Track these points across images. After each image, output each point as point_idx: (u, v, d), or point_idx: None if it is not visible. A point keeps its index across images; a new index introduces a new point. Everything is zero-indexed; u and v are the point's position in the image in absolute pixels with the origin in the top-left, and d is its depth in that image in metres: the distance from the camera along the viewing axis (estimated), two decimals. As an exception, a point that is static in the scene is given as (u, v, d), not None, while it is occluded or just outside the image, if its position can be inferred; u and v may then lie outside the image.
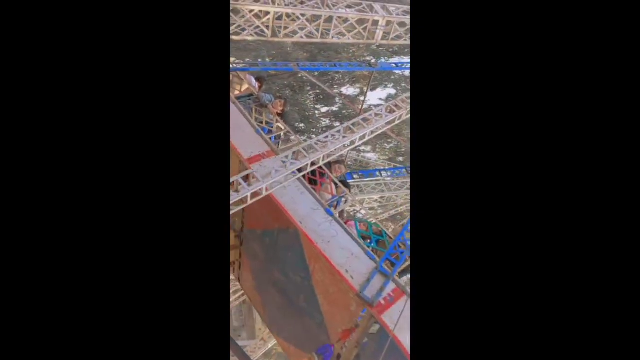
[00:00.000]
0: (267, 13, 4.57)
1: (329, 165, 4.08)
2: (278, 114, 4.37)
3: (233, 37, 4.78)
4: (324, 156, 3.52)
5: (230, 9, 4.45)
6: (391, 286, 3.04)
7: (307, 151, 3.47)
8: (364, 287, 2.98)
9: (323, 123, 11.78)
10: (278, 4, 4.56)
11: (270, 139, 3.84)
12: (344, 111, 11.69)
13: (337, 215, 3.52)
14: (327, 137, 3.59)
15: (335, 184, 4.01)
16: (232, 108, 3.91)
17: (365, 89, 9.95)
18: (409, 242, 3.23)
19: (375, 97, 11.40)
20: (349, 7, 4.84)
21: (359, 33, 4.99)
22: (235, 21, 4.64)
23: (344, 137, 3.58)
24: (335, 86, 11.86)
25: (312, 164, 3.51)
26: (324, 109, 11.93)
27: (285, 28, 4.78)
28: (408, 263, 3.20)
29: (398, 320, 2.80)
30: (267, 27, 4.74)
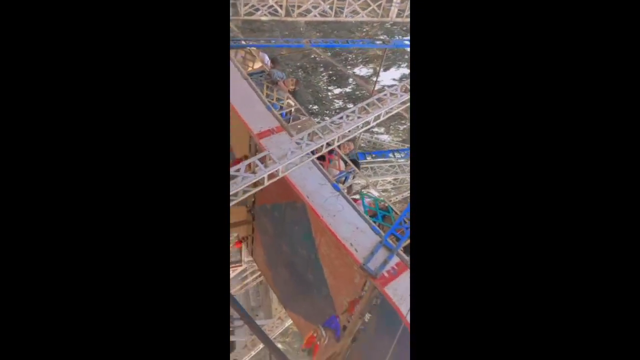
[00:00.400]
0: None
1: None
2: (290, 92, 4.37)
3: (246, 18, 4.74)
4: (339, 137, 3.52)
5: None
6: (395, 260, 3.09)
7: (322, 132, 3.47)
8: (368, 260, 3.04)
9: (336, 104, 11.68)
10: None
11: (281, 115, 3.85)
12: (357, 92, 11.55)
13: (345, 191, 3.54)
14: (341, 117, 3.58)
15: (345, 162, 4.02)
16: (244, 84, 3.93)
17: (378, 69, 9.78)
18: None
19: (388, 77, 11.20)
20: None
21: (373, 10, 4.89)
22: (248, 1, 4.60)
23: (358, 117, 3.57)
24: (348, 67, 11.68)
25: (328, 144, 3.51)
26: (337, 90, 11.82)
27: (299, 7, 4.71)
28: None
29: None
30: (281, 6, 4.68)
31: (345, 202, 3.34)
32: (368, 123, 3.62)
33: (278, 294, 5.34)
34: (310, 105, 11.13)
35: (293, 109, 4.20)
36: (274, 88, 4.32)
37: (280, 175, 3.30)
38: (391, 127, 11.80)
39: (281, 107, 4.11)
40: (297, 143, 3.41)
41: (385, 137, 11.58)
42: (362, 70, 9.33)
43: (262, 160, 3.25)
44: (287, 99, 4.25)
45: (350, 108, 3.67)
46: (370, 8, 4.79)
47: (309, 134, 3.44)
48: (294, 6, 4.69)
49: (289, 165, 3.33)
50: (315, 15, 4.83)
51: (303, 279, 4.07)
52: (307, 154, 3.41)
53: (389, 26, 9.92)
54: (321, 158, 3.80)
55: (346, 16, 4.78)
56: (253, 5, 4.61)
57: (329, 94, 11.89)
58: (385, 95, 3.76)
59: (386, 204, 3.66)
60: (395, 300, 2.87)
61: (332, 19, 4.81)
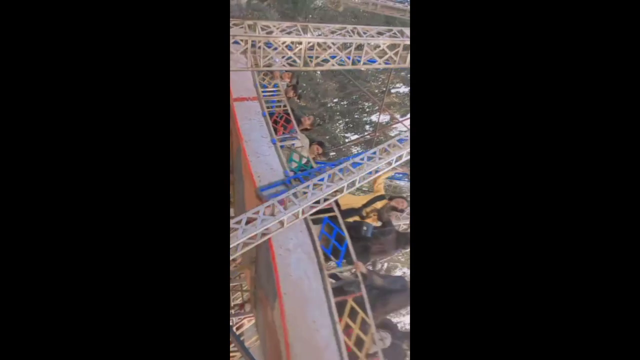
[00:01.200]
0: (299, 43, 4.70)
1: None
2: (306, 129, 4.58)
3: (265, 69, 4.93)
4: (359, 178, 3.46)
5: (265, 42, 4.63)
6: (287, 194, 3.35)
7: (343, 174, 3.43)
8: (264, 188, 3.55)
9: (354, 150, 11.79)
10: (310, 34, 4.68)
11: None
12: (375, 139, 11.65)
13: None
14: (362, 159, 3.54)
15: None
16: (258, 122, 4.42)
17: (397, 115, 9.93)
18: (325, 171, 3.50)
19: (406, 123, 11.33)
20: (379, 33, 4.91)
21: (391, 58, 5.01)
22: (267, 53, 4.81)
23: (380, 158, 3.52)
24: (364, 115, 11.93)
25: (348, 186, 3.45)
26: (354, 137, 11.99)
27: (317, 57, 4.89)
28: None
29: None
30: (299, 57, 4.86)
31: (274, 152, 3.98)
32: (390, 164, 3.57)
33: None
34: (328, 152, 11.25)
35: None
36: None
37: (301, 217, 3.23)
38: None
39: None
40: (317, 184, 3.37)
41: (403, 183, 11.48)
42: (380, 117, 9.50)
43: (282, 202, 3.20)
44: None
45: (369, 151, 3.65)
46: (388, 56, 4.92)
47: (329, 175, 3.40)
48: (312, 57, 4.86)
49: (306, 208, 3.26)
50: (333, 65, 4.99)
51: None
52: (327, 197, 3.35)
53: (405, 74, 10.20)
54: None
55: (363, 64, 4.91)
56: (272, 57, 4.81)
57: (346, 140, 12.07)
58: (407, 137, 3.74)
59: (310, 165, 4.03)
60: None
61: (350, 67, 4.95)
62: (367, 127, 11.28)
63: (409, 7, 7.18)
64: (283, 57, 4.83)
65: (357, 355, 2.81)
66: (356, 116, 9.79)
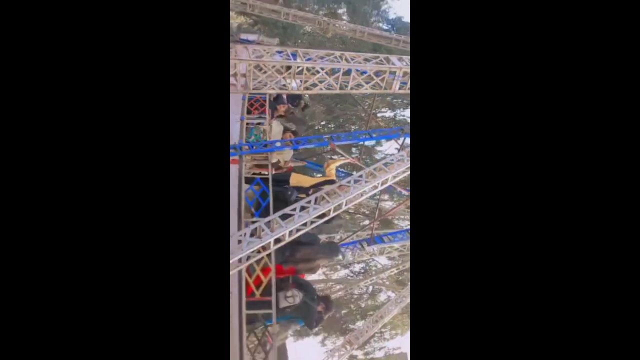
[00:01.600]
0: (289, 67, 4.80)
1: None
2: (281, 116, 5.08)
3: (254, 92, 5.00)
4: (346, 201, 3.49)
5: (253, 65, 4.71)
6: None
7: (330, 196, 3.45)
8: None
9: (340, 174, 11.86)
10: (299, 58, 4.80)
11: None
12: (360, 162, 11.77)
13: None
14: (349, 181, 3.58)
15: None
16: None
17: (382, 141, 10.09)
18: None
19: (394, 146, 11.54)
20: (366, 60, 5.05)
21: (377, 84, 5.15)
22: (257, 76, 4.88)
23: (366, 181, 3.57)
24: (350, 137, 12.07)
25: (335, 209, 3.48)
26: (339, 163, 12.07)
27: (305, 81, 4.99)
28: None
29: None
30: (289, 80, 4.95)
31: (238, 127, 4.46)
32: (376, 187, 3.61)
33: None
34: (314, 174, 11.28)
35: None
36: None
37: (288, 239, 3.22)
38: (394, 194, 11.84)
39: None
40: (304, 207, 3.39)
41: (390, 204, 11.55)
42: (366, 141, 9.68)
43: (268, 224, 3.19)
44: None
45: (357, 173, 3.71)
46: (374, 82, 5.05)
47: (316, 198, 3.42)
48: (300, 80, 4.95)
49: (295, 230, 3.27)
50: (321, 89, 5.09)
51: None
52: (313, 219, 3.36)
53: (390, 99, 10.45)
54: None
55: (351, 88, 5.02)
56: (261, 81, 4.88)
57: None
58: (392, 160, 3.81)
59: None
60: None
61: (337, 91, 5.05)
62: (353, 149, 11.41)
63: (394, 35, 7.45)
64: (272, 80, 4.92)
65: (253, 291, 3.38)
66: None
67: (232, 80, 4.69)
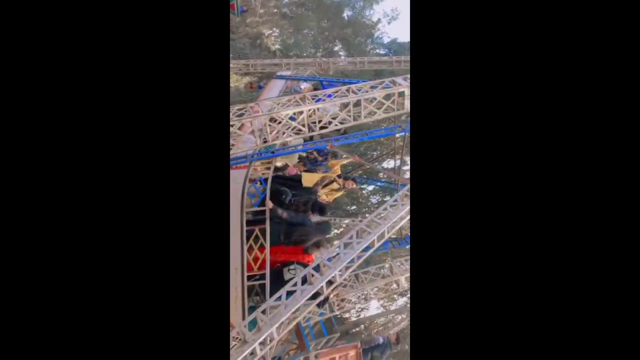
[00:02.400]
0: (301, 112, 4.94)
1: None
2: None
3: (274, 142, 5.14)
4: (387, 228, 3.44)
5: (268, 119, 4.90)
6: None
7: (371, 227, 3.42)
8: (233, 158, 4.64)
9: (373, 200, 11.77)
10: (308, 102, 4.94)
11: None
12: (392, 185, 11.69)
13: None
14: (385, 208, 3.55)
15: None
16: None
17: (403, 156, 10.00)
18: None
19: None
20: (372, 87, 5.14)
21: (389, 107, 5.20)
22: (274, 128, 5.05)
23: (402, 204, 3.52)
24: (376, 163, 12.06)
25: (378, 238, 3.43)
26: (371, 187, 12.04)
27: (320, 121, 5.10)
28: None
29: None
30: (303, 125, 5.08)
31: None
32: (413, 208, 3.56)
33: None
34: (348, 207, 11.24)
35: None
36: None
37: (339, 281, 3.17)
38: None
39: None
40: (347, 243, 3.36)
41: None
42: (390, 163, 9.63)
43: (317, 268, 3.17)
44: None
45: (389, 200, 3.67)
46: (385, 106, 5.11)
47: (357, 232, 3.39)
48: (314, 122, 5.06)
49: (343, 269, 3.23)
50: (335, 125, 5.18)
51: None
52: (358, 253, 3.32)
53: (405, 118, 10.45)
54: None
55: (364, 118, 5.08)
56: (279, 131, 5.03)
57: (364, 192, 12.10)
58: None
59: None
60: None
61: (352, 123, 5.12)
62: (380, 175, 11.36)
63: (394, 58, 7.60)
64: (288, 128, 5.07)
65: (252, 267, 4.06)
66: (367, 167, 9.96)
67: (250, 136, 4.89)
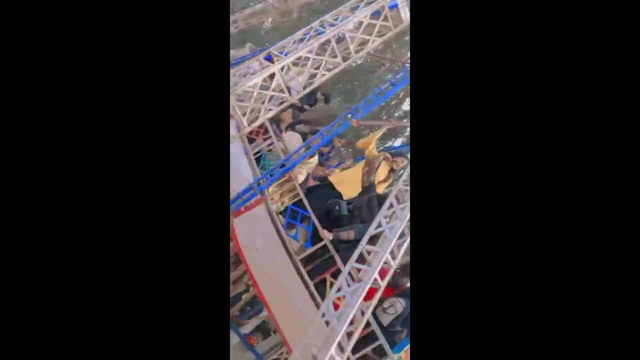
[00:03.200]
0: (273, 75, 3.80)
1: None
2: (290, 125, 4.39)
3: (255, 125, 4.00)
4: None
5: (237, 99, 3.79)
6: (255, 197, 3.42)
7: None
8: (233, 201, 3.34)
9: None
10: (277, 59, 3.83)
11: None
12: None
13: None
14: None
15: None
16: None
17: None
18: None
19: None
20: (353, 9, 3.93)
21: (382, 27, 3.93)
22: (245, 108, 3.89)
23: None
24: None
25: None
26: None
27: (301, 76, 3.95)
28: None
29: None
30: (281, 90, 3.90)
31: (246, 161, 3.69)
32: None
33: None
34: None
35: None
36: None
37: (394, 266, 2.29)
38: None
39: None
40: (387, 216, 2.90)
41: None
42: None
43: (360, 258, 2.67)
44: None
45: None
46: (377, 27, 3.93)
47: (395, 197, 2.86)
48: (294, 80, 3.98)
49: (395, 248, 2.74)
50: (323, 74, 4.01)
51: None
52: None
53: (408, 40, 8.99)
54: None
55: (357, 52, 3.95)
56: (253, 109, 3.91)
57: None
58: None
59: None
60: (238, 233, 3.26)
61: (343, 65, 3.99)
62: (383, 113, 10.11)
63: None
64: (263, 102, 3.91)
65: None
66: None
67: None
